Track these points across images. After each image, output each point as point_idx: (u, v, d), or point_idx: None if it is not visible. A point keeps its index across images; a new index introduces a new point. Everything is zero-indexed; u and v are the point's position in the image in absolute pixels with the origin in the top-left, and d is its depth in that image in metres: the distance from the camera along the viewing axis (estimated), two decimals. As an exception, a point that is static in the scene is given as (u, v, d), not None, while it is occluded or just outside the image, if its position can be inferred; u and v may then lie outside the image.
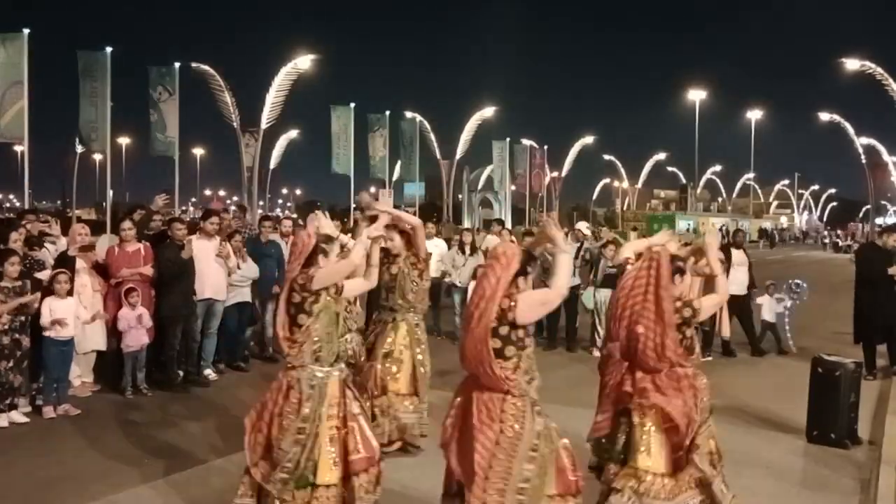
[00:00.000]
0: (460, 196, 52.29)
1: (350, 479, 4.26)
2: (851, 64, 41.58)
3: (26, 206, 19.76)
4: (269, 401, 4.27)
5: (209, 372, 8.69)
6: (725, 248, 10.63)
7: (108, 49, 22.87)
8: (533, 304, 3.60)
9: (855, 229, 58.62)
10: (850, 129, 51.43)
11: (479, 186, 53.32)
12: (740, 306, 10.43)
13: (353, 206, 38.52)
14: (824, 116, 53.09)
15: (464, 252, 11.48)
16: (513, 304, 3.52)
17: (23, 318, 6.75)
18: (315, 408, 4.21)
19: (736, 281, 10.26)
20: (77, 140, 23.90)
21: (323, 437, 4.22)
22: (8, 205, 73.52)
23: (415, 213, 37.12)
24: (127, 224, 8.00)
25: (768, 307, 11.03)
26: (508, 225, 39.15)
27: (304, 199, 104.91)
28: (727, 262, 10.38)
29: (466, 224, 43.85)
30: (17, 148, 32.34)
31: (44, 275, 7.24)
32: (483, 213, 47.56)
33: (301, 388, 4.21)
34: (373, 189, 57.40)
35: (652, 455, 4.12)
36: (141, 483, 5.38)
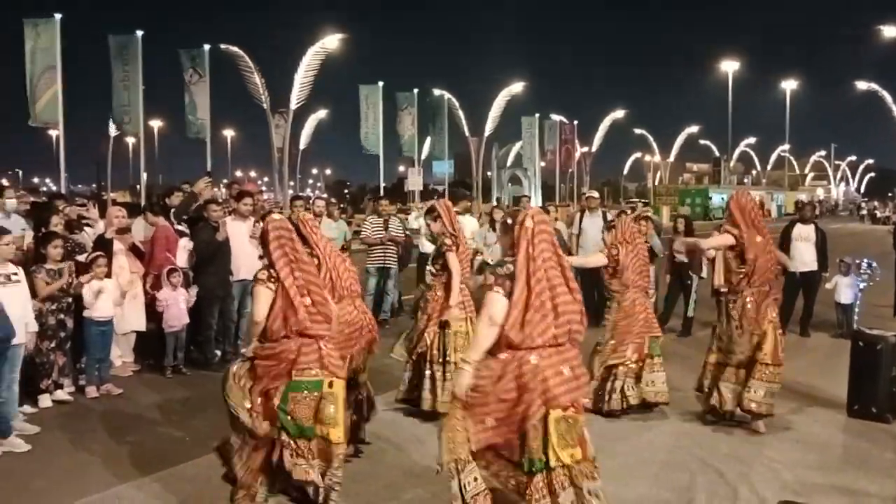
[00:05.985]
0: (489, 173, 52.04)
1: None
2: (889, 31, 40.58)
3: (62, 190, 20.10)
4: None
5: (245, 351, 8.76)
6: (791, 225, 10.28)
7: (139, 33, 23.08)
8: None
9: None
10: (888, 98, 50.31)
11: (509, 163, 52.95)
12: (808, 284, 10.06)
13: (382, 184, 38.75)
14: (861, 86, 51.99)
15: (495, 229, 11.44)
16: None
17: (69, 300, 6.91)
18: None
19: (800, 257, 9.95)
20: (111, 123, 24.23)
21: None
22: (45, 189, 74.73)
23: (444, 191, 37.02)
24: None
25: (846, 289, 10.19)
26: (538, 201, 39.04)
27: (334, 179, 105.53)
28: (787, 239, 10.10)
29: (495, 202, 43.69)
30: (52, 132, 32.80)
31: (83, 257, 7.36)
32: (512, 190, 47.22)
33: None
34: (401, 168, 57.15)
35: None
36: (182, 462, 5.47)
